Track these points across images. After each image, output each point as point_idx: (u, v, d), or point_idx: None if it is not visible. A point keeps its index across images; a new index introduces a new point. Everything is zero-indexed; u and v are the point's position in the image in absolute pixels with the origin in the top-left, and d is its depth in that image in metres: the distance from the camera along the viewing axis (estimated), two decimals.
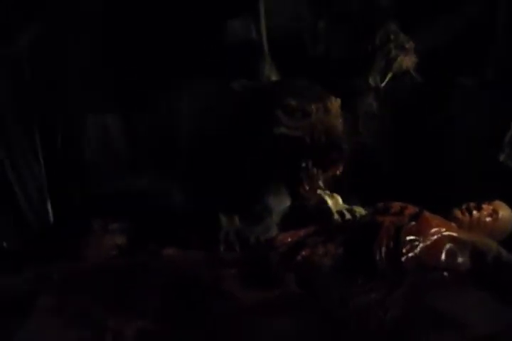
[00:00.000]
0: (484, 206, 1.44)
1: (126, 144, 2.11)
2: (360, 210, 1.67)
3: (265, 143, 1.54)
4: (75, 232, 1.85)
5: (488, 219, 1.43)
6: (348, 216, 1.62)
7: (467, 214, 1.42)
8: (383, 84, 2.00)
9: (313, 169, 1.60)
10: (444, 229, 1.30)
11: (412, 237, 1.27)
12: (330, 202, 1.71)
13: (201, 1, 2.00)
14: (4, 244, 1.94)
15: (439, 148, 2.36)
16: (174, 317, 1.20)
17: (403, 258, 1.23)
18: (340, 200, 1.74)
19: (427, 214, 1.35)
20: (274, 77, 2.01)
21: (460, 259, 1.28)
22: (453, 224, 1.38)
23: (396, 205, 1.40)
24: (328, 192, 1.78)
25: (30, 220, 1.98)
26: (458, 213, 1.43)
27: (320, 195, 1.72)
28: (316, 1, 2.19)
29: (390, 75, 1.99)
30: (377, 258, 1.24)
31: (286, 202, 1.75)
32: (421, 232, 1.29)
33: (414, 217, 1.33)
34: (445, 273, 1.26)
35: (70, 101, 2.08)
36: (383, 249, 1.25)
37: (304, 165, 1.59)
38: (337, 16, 2.15)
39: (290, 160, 1.58)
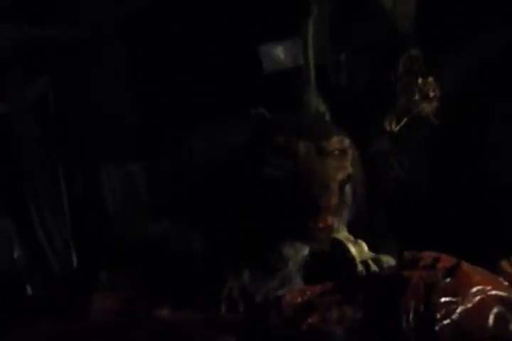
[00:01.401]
0: None
1: (148, 191, 2.04)
2: (387, 259, 1.43)
3: (254, 185, 1.33)
4: (82, 285, 1.72)
5: None
6: (373, 267, 1.39)
7: None
8: (397, 129, 1.85)
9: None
10: (489, 288, 1.04)
11: (447, 298, 1.02)
12: (353, 249, 1.48)
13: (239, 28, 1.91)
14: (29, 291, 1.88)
15: (483, 182, 2.12)
16: None
17: (437, 326, 0.98)
18: (365, 247, 1.51)
19: (465, 267, 1.10)
20: (321, 109, 1.86)
21: None
22: (500, 280, 1.12)
23: (427, 256, 1.16)
24: (351, 237, 1.55)
25: (57, 271, 1.93)
26: (506, 265, 1.17)
27: (340, 241, 1.50)
28: (337, 32, 2.08)
29: (405, 120, 1.85)
30: (404, 325, 0.99)
31: (305, 251, 1.54)
32: (459, 291, 1.03)
33: (450, 271, 1.08)
34: None
35: (92, 148, 2.05)
36: (411, 314, 1.00)
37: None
38: (359, 47, 2.03)
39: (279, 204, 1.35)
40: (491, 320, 1.01)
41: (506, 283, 1.14)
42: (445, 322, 0.99)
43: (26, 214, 1.93)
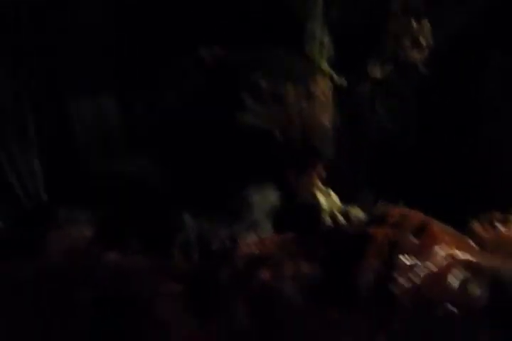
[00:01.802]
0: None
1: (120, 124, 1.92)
2: (357, 212, 1.35)
3: (229, 134, 1.17)
4: (39, 222, 1.65)
5: None
6: (341, 220, 1.31)
7: (490, 229, 1.08)
8: (381, 75, 1.69)
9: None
10: (457, 251, 0.98)
11: (411, 260, 0.95)
12: (323, 200, 1.39)
13: None
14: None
15: (471, 133, 2.02)
16: None
17: (396, 288, 0.92)
18: (336, 199, 1.42)
19: (435, 227, 1.02)
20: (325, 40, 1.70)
21: (476, 292, 0.96)
22: (470, 243, 1.04)
23: (396, 212, 1.07)
24: (323, 187, 1.46)
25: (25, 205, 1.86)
26: (478, 228, 1.09)
27: (312, 190, 1.41)
28: None
29: (390, 67, 1.69)
30: (361, 285, 0.93)
31: (273, 199, 1.45)
32: (425, 254, 0.96)
33: (418, 230, 1.01)
34: (453, 310, 0.94)
35: (61, 79, 1.91)
36: (370, 274, 0.93)
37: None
38: None
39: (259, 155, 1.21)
40: (453, 285, 0.95)
41: (475, 246, 1.07)
42: (406, 285, 0.93)
43: None
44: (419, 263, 0.95)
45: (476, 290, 0.96)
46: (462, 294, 0.95)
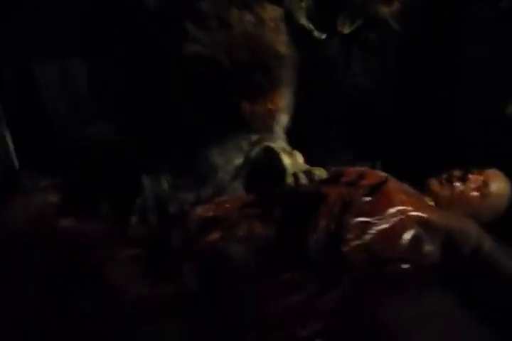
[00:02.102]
0: (472, 176, 1.08)
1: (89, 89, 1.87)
2: (320, 173, 1.33)
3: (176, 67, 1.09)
4: (5, 189, 1.62)
5: (474, 193, 1.07)
6: (303, 180, 1.29)
7: (447, 187, 1.06)
8: (349, 31, 1.64)
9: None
10: (410, 208, 0.96)
11: (362, 218, 0.94)
12: (286, 160, 1.37)
13: None
14: None
15: (448, 91, 1.98)
16: (44, 310, 0.94)
17: (346, 247, 0.91)
18: (300, 159, 1.40)
19: (391, 185, 1.00)
20: None
21: (427, 248, 0.95)
22: (426, 201, 1.03)
23: (352, 171, 1.05)
24: (287, 147, 1.43)
25: None
26: (435, 185, 1.07)
27: (274, 150, 1.38)
28: None
29: (359, 22, 1.63)
30: (312, 245, 0.92)
31: (237, 160, 1.43)
32: (377, 211, 0.95)
33: (372, 189, 0.99)
34: (405, 267, 0.94)
35: (25, 43, 1.82)
36: (321, 233, 0.93)
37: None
38: None
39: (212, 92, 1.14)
40: (404, 242, 0.94)
41: (432, 203, 1.06)
42: (355, 243, 0.92)
43: None
44: (371, 221, 0.94)
45: (429, 247, 0.96)
46: (414, 251, 0.95)
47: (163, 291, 0.88)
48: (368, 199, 0.96)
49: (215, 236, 0.92)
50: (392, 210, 0.95)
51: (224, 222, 0.97)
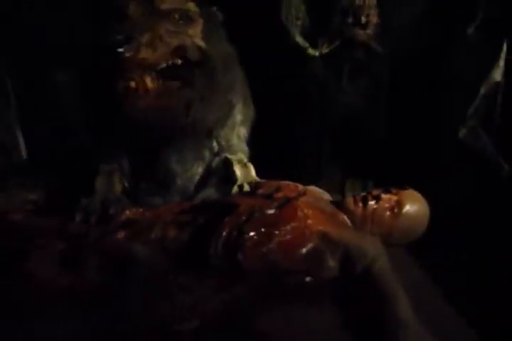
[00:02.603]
0: (385, 196, 1.09)
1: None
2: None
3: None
4: None
5: (387, 213, 1.08)
6: (247, 191, 1.34)
7: (361, 205, 1.08)
8: (326, 51, 1.69)
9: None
10: (312, 222, 0.99)
11: (265, 229, 0.99)
12: (238, 172, 1.43)
13: None
14: None
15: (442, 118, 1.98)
16: None
17: (241, 255, 0.95)
18: (252, 171, 1.45)
19: (301, 200, 1.04)
20: None
21: (327, 263, 0.98)
22: (339, 218, 1.06)
23: (272, 185, 1.10)
24: (244, 159, 1.49)
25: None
26: (350, 202, 1.09)
27: (230, 161, 1.45)
28: None
29: (336, 43, 1.68)
30: (211, 250, 0.97)
31: (197, 169, 1.50)
32: (281, 223, 0.99)
33: (282, 202, 1.03)
34: (304, 279, 0.98)
35: None
36: (221, 240, 0.98)
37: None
38: None
39: None
40: (304, 254, 0.98)
41: (347, 220, 1.09)
42: (252, 251, 0.96)
43: None
44: (273, 232, 0.98)
45: (329, 261, 0.99)
46: (314, 264, 0.98)
47: (72, 281, 0.96)
48: (273, 211, 1.01)
49: (121, 235, 0.99)
50: (294, 223, 0.99)
51: (137, 225, 1.04)
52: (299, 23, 1.95)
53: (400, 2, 1.93)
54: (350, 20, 1.66)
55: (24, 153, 2.11)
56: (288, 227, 0.99)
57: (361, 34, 1.70)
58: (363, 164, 2.03)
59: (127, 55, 1.06)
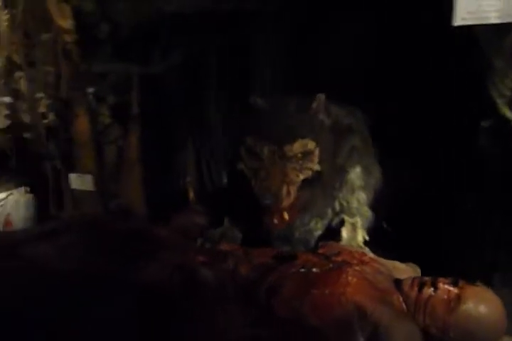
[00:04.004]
0: (443, 286, 0.98)
1: None
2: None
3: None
4: None
5: (441, 305, 0.97)
6: None
7: (415, 289, 1.01)
8: None
9: None
10: (353, 291, 1.01)
11: (304, 284, 1.05)
12: (345, 234, 1.49)
13: None
14: None
15: None
16: None
17: (274, 299, 1.05)
18: (359, 236, 1.49)
19: (356, 269, 1.07)
20: None
21: (355, 335, 0.97)
22: (388, 296, 1.02)
23: (335, 247, 1.15)
24: (357, 222, 1.54)
25: None
26: (406, 283, 1.03)
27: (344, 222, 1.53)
28: None
29: None
30: (256, 292, 1.09)
31: (312, 224, 1.63)
32: (321, 284, 1.05)
33: (337, 266, 1.08)
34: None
35: None
36: (266, 284, 1.09)
37: None
38: None
39: None
40: (333, 319, 1.00)
41: (400, 301, 1.05)
42: (286, 302, 1.05)
43: None
44: (311, 290, 1.05)
45: (357, 334, 0.98)
46: (342, 332, 1.00)
47: None
48: (318, 270, 1.07)
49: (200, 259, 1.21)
50: (333, 288, 1.04)
51: (219, 255, 1.24)
52: (508, 92, 1.82)
53: None
54: None
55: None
56: (326, 290, 1.04)
57: None
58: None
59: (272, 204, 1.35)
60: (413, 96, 1.82)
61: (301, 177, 1.37)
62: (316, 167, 1.39)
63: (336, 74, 2.00)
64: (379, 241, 1.60)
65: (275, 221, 1.35)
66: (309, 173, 1.38)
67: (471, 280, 1.11)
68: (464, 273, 1.20)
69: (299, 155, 1.37)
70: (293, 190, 1.35)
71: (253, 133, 1.41)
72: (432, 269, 1.30)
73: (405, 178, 1.78)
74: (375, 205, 1.65)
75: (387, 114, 1.87)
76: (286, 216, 1.35)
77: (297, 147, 1.36)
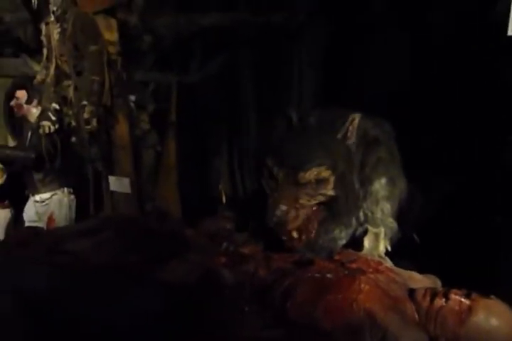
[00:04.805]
0: (455, 297, 0.99)
1: None
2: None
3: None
4: None
5: (452, 316, 0.98)
6: None
7: (428, 299, 1.02)
8: None
9: None
10: (365, 298, 1.03)
11: (318, 290, 1.09)
12: (367, 243, 1.51)
13: None
14: None
15: None
16: None
17: (288, 303, 1.09)
18: (381, 246, 1.51)
19: (370, 277, 1.09)
20: None
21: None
22: (401, 305, 1.04)
23: (351, 255, 1.18)
24: (381, 232, 1.56)
25: None
26: (419, 293, 1.04)
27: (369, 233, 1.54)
28: None
29: None
30: (271, 298, 1.14)
31: (335, 233, 1.65)
32: (334, 289, 1.07)
33: (351, 273, 1.11)
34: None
35: None
36: (281, 288, 1.14)
37: None
38: None
39: None
40: (344, 324, 1.03)
41: (412, 310, 1.06)
42: (299, 306, 1.08)
43: None
44: (324, 296, 1.09)
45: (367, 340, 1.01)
46: (352, 337, 1.03)
47: None
48: (332, 276, 1.10)
49: (221, 260, 1.27)
50: (346, 294, 1.06)
51: (240, 257, 1.30)
52: None
53: None
54: None
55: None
56: (339, 296, 1.07)
57: None
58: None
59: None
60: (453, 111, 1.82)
61: (314, 202, 1.42)
62: (330, 193, 1.43)
63: (372, 86, 2.03)
64: (403, 251, 1.62)
65: (284, 238, 1.42)
66: (322, 199, 1.43)
67: (495, 294, 1.12)
68: (487, 287, 1.20)
69: (313, 181, 1.41)
70: (303, 213, 1.41)
71: (274, 153, 1.47)
72: (456, 282, 1.32)
73: (433, 191, 1.79)
74: (400, 216, 1.66)
75: (418, 127, 1.88)
76: (295, 235, 1.40)
77: (311, 175, 1.40)
